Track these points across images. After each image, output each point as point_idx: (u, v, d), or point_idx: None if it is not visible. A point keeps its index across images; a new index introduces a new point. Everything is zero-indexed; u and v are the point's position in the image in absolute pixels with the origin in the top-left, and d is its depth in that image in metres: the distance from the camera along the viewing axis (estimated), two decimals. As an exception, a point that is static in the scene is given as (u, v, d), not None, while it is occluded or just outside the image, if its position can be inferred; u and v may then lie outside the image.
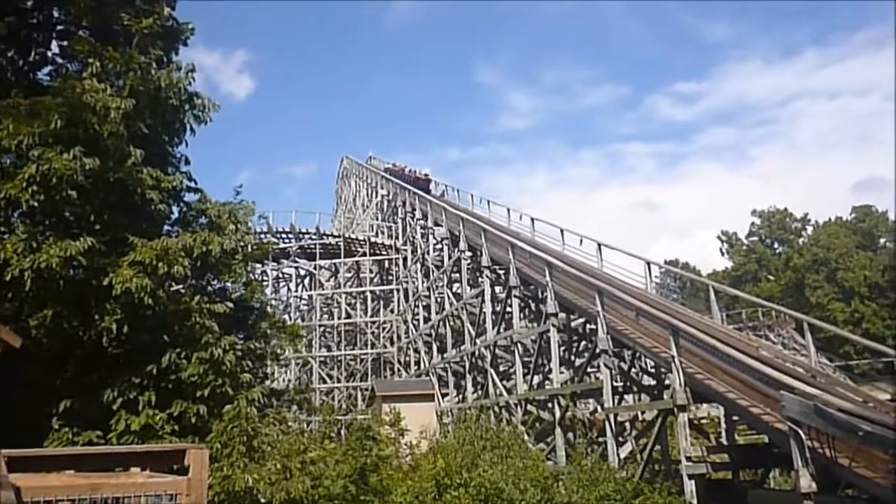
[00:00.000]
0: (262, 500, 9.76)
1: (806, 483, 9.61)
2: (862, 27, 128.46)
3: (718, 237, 74.61)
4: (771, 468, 15.66)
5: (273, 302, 37.10)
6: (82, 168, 10.48)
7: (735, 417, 15.15)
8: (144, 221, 12.18)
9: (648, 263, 21.12)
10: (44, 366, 11.29)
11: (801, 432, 9.70)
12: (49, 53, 14.39)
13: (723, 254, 74.61)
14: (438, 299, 33.19)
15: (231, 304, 12.82)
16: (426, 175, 47.63)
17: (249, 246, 16.98)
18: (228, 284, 14.93)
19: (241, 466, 9.64)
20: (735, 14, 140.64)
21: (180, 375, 11.29)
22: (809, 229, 70.13)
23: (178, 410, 11.06)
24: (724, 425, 16.73)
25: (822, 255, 63.50)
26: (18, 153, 11.04)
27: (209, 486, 9.27)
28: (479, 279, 26.82)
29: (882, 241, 66.66)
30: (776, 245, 71.27)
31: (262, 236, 38.00)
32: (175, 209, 13.60)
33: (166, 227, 13.52)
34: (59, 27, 14.41)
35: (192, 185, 13.76)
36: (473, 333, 27.15)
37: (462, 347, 28.80)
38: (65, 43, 14.04)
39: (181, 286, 12.74)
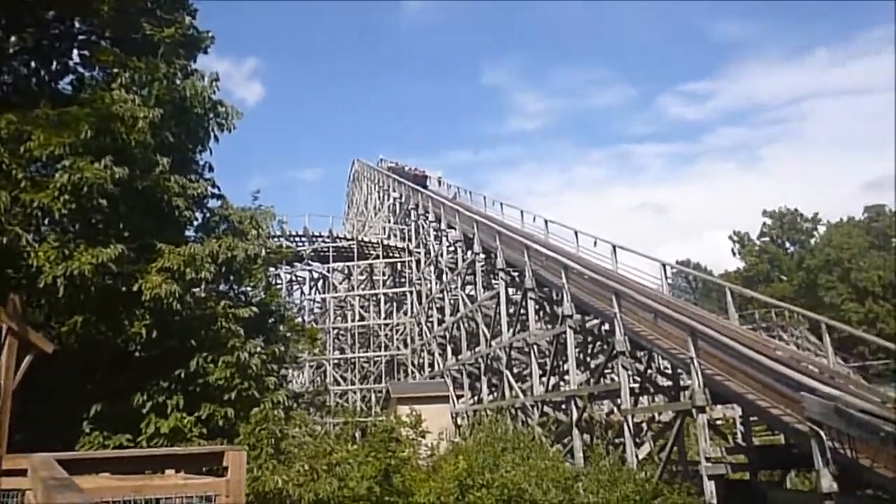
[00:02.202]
0: (289, 502, 9.95)
1: (827, 483, 9.70)
2: (872, 26, 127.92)
3: (730, 237, 74.40)
4: (789, 469, 15.73)
5: (288, 305, 37.42)
6: (112, 177, 10.71)
7: (753, 418, 15.22)
8: (171, 228, 12.42)
9: (664, 265, 21.24)
10: (74, 371, 11.52)
11: (822, 433, 9.79)
12: (70, 63, 14.68)
13: (734, 254, 74.40)
14: (452, 301, 33.35)
15: (255, 309, 13.04)
16: (423, 172, 51.31)
17: (266, 250, 17.22)
18: (249, 289, 15.17)
19: (269, 468, 9.84)
20: (745, 13, 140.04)
21: (207, 379, 11.52)
22: (821, 229, 69.86)
23: (205, 413, 11.30)
24: (740, 426, 16.80)
25: (835, 255, 63.22)
26: (47, 163, 11.30)
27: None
28: (494, 281, 26.97)
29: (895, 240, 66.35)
30: (788, 245, 71.02)
31: (278, 240, 38.29)
32: (199, 215, 13.84)
33: (191, 233, 13.77)
34: (80, 37, 14.68)
35: (216, 191, 14.03)
36: (488, 335, 27.30)
37: (477, 349, 28.96)
38: (86, 52, 14.31)
39: (206, 291, 12.98)
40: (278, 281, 40.81)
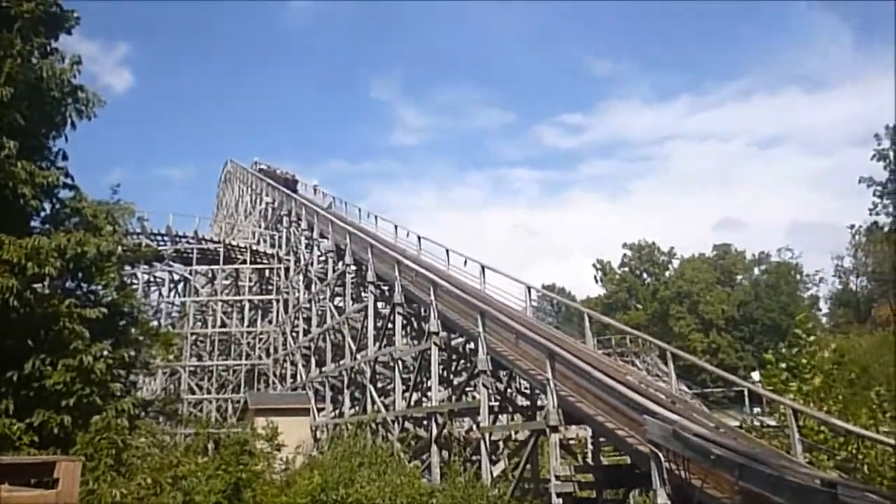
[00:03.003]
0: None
1: (662, 502, 10.30)
2: (730, 79, 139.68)
3: (594, 265, 78.41)
4: (632, 488, 16.58)
5: (143, 307, 35.42)
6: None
7: (602, 439, 15.95)
8: (14, 217, 11.41)
9: (529, 288, 21.94)
10: None
11: (660, 454, 10.39)
12: None
13: (597, 281, 78.44)
14: (320, 312, 32.81)
15: (104, 310, 12.21)
16: (293, 176, 51.73)
17: (124, 248, 16.22)
18: (100, 288, 14.22)
19: (107, 480, 9.23)
20: (619, 53, 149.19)
21: (44, 383, 10.65)
22: (676, 262, 75.04)
23: (39, 420, 10.41)
24: (591, 446, 17.54)
25: (685, 287, 68.12)
26: None
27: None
28: (363, 294, 26.81)
29: (739, 277, 72.36)
30: (645, 276, 75.65)
31: (137, 237, 36.26)
32: (48, 206, 12.81)
33: (36, 225, 12.74)
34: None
35: (69, 181, 12.99)
36: (354, 348, 27.06)
37: (342, 362, 28.61)
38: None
39: (50, 288, 12.03)
40: (134, 281, 38.61)
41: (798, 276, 69.89)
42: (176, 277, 43.21)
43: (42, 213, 12.99)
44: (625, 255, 76.38)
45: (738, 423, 16.84)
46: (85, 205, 13.05)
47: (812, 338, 16.23)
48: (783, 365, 15.85)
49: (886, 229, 52.71)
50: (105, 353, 11.85)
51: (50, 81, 11.71)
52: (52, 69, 11.73)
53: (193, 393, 39.19)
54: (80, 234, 11.74)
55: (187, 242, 41.65)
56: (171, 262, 41.79)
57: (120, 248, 14.36)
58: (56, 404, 10.62)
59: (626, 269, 75.99)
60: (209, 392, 40.07)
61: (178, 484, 10.19)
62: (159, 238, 41.37)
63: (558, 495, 12.98)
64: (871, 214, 55.81)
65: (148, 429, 11.62)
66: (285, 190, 44.01)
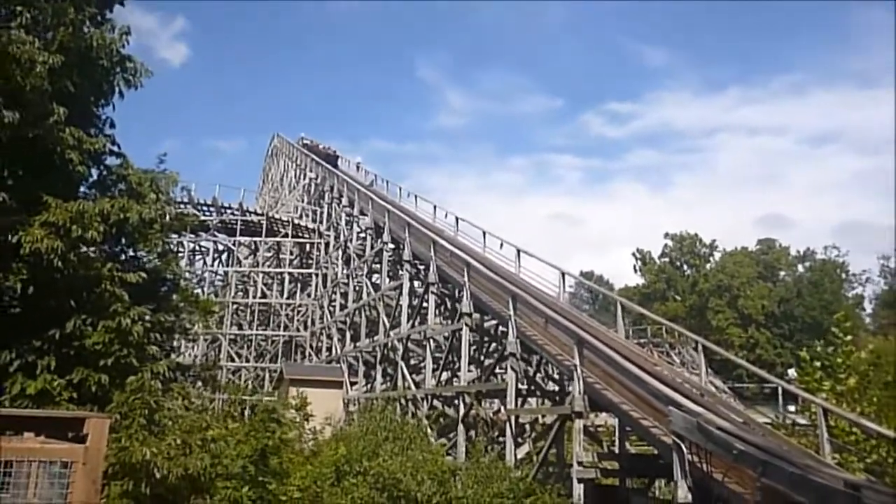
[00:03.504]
0: (159, 475, 9.69)
1: (683, 494, 10.25)
2: (784, 72, 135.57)
3: (633, 254, 77.45)
4: (656, 478, 16.54)
5: (187, 275, 36.30)
6: (0, 121, 10.12)
7: (628, 428, 15.92)
8: (62, 182, 11.81)
9: (563, 273, 21.83)
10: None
11: (683, 446, 10.35)
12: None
13: (636, 271, 77.53)
14: (357, 288, 33.21)
15: (144, 274, 12.58)
16: (335, 151, 52.46)
17: (169, 216, 16.65)
18: (143, 254, 14.64)
19: (139, 439, 9.54)
20: (670, 45, 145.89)
21: (84, 343, 11.05)
22: (717, 255, 73.67)
23: (78, 378, 10.82)
24: (617, 434, 17.52)
25: (726, 281, 66.86)
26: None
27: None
28: (400, 272, 27.03)
29: (781, 273, 70.71)
30: (685, 268, 74.47)
31: (183, 207, 37.09)
32: (95, 172, 13.23)
33: (83, 190, 13.15)
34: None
35: (115, 149, 13.38)
36: (388, 325, 27.36)
37: (375, 338, 28.97)
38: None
39: (94, 251, 12.44)
40: (180, 249, 39.54)
41: (843, 275, 67.95)
42: (220, 248, 44.14)
43: (89, 179, 13.43)
44: (666, 245, 75.30)
45: (768, 420, 16.59)
46: (130, 172, 13.44)
47: (849, 337, 15.86)
48: (818, 363, 15.54)
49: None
50: (145, 316, 12.24)
51: (100, 51, 12.03)
52: (103, 38, 12.04)
53: (233, 361, 40.16)
54: (124, 201, 12.08)
55: (232, 214, 42.43)
56: (215, 233, 42.66)
57: (164, 216, 14.74)
58: (94, 363, 11.02)
59: (667, 259, 74.90)
60: (247, 360, 40.99)
61: (206, 446, 10.48)
62: (205, 208, 42.23)
63: (580, 481, 13.02)
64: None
65: (181, 392, 11.95)
66: (327, 166, 44.45)
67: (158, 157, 14.65)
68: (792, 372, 35.60)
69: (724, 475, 9.93)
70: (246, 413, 20.13)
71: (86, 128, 12.39)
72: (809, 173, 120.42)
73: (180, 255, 38.99)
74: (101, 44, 12.03)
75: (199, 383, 19.62)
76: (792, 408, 25.02)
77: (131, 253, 14.20)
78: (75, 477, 5.85)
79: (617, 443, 17.44)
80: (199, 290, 37.48)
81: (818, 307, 61.81)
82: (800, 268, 71.58)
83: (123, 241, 13.52)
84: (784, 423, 16.97)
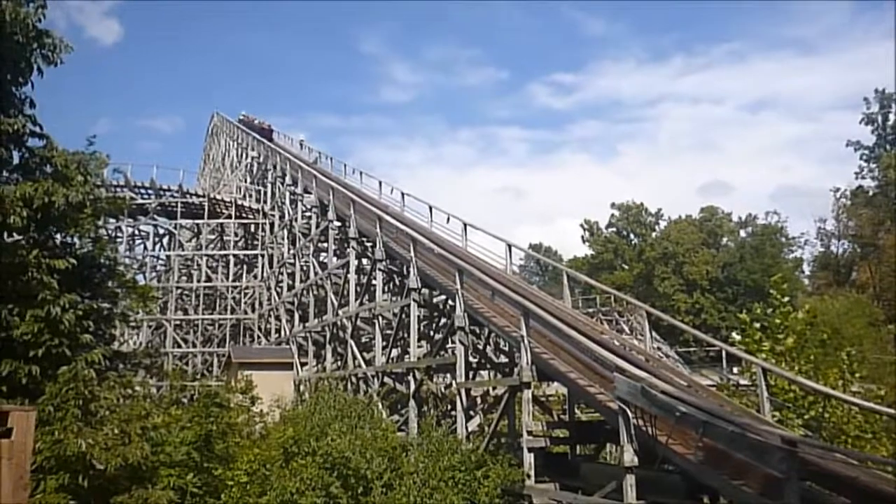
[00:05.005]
0: (100, 467, 9.39)
1: (629, 457, 10.44)
2: (724, 40, 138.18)
3: (581, 225, 78.36)
4: (604, 444, 16.83)
5: (126, 260, 35.26)
6: None
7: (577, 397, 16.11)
8: (-22, 166, 11.22)
9: (510, 246, 21.89)
10: None
11: (628, 411, 10.51)
12: None
13: (584, 241, 78.51)
14: (304, 267, 32.77)
15: (74, 261, 12.07)
16: (269, 126, 51.20)
17: (100, 200, 16.02)
18: (75, 240, 14.07)
19: (74, 431, 9.22)
20: (613, 13, 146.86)
21: (11, 333, 10.59)
22: (662, 224, 75.09)
23: (7, 370, 10.39)
24: (568, 403, 17.74)
25: (671, 248, 68.29)
26: None
27: (39, 450, 8.83)
28: (346, 250, 26.72)
29: (724, 239, 72.58)
30: (632, 237, 75.74)
31: (119, 190, 35.92)
32: (16, 155, 12.58)
33: (5, 174, 12.51)
34: None
35: (37, 129, 12.72)
36: (336, 304, 27.09)
37: (324, 317, 28.66)
38: None
39: (18, 238, 11.88)
40: (118, 234, 38.39)
41: (783, 239, 70.06)
42: (161, 231, 42.95)
43: (12, 163, 12.77)
44: (612, 215, 76.34)
45: (712, 383, 17.04)
46: (55, 154, 12.79)
47: (787, 299, 16.33)
48: (758, 325, 15.97)
49: (871, 193, 52.91)
50: (77, 304, 11.77)
51: (13, 25, 11.35)
52: (16, 12, 11.35)
53: (179, 346, 39.34)
54: (49, 184, 11.54)
55: (172, 196, 41.30)
56: (155, 216, 41.45)
57: (95, 199, 14.16)
58: (24, 354, 10.58)
59: (613, 229, 76.02)
60: (194, 346, 40.23)
61: (147, 434, 10.20)
62: (143, 191, 40.99)
63: (530, 450, 13.14)
64: (856, 178, 55.88)
65: (119, 380, 11.56)
66: (269, 143, 43.63)
67: (88, 139, 14.06)
68: (736, 335, 36.64)
69: (668, 437, 10.12)
70: (185, 399, 19.78)
71: (2, 108, 11.75)
72: (749, 140, 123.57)
73: (118, 240, 37.94)
74: (14, 18, 11.34)
75: (142, 371, 19.12)
76: (735, 370, 25.76)
77: (61, 239, 13.61)
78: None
79: (567, 411, 17.66)
80: (140, 276, 36.49)
81: (759, 271, 63.63)
82: (742, 233, 73.48)
83: (51, 226, 12.92)
84: (727, 384, 17.42)
